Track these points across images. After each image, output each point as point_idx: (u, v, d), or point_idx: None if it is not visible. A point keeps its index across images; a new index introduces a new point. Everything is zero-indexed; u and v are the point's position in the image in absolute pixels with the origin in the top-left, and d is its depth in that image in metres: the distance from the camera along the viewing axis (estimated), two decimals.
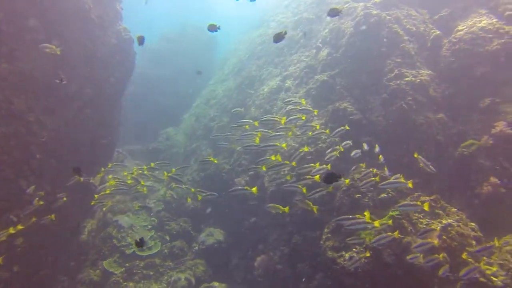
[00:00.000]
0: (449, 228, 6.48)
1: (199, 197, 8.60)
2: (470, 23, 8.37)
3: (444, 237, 6.41)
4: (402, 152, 8.13)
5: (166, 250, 10.69)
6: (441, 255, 5.85)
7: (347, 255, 7.33)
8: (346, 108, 9.03)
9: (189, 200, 11.37)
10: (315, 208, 7.33)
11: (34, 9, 7.65)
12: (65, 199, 7.72)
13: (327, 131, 8.38)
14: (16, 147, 7.44)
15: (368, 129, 8.69)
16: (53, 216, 7.47)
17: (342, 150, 7.66)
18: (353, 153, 7.57)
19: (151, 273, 9.94)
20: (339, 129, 7.82)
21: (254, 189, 7.22)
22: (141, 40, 7.32)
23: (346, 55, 9.71)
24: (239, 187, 7.74)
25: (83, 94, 9.42)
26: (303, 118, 7.67)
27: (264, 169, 7.56)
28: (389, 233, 6.31)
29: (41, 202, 7.48)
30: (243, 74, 15.23)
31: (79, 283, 9.50)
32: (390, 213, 6.97)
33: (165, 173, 8.44)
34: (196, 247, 10.81)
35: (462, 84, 8.18)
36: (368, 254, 6.84)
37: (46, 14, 7.94)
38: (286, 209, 7.29)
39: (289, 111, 8.06)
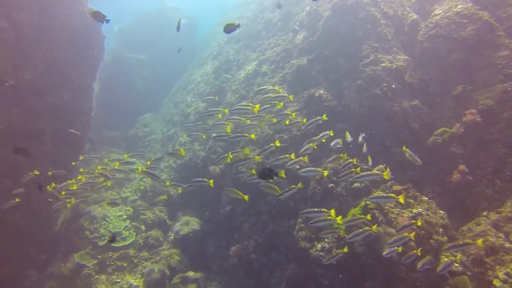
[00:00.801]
0: (418, 217, 6.46)
1: (179, 190, 8.32)
2: (446, 7, 8.15)
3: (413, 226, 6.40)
4: (377, 140, 8.02)
5: (141, 241, 10.47)
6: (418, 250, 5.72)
7: (319, 246, 7.29)
8: (321, 94, 8.80)
9: (165, 197, 11.09)
10: (278, 189, 6.92)
11: None
12: (17, 199, 7.28)
13: (304, 120, 8.01)
14: None
15: (343, 115, 8.52)
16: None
17: (324, 141, 7.37)
18: (332, 143, 7.33)
19: (125, 264, 9.73)
20: (314, 119, 7.53)
21: (211, 181, 7.14)
22: (99, 17, 6.56)
23: (323, 39, 9.40)
24: (199, 179, 7.52)
25: (43, 80, 8.84)
26: (280, 105, 7.36)
27: (229, 161, 7.34)
28: (367, 228, 6.23)
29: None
30: (221, 58, 14.75)
31: (48, 277, 9.23)
32: (362, 202, 6.90)
33: (139, 168, 8.09)
34: (172, 237, 10.63)
35: (437, 71, 8.04)
36: (345, 250, 6.76)
37: None
38: (246, 197, 7.10)
39: (263, 100, 7.73)
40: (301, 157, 6.94)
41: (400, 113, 7.85)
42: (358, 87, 8.38)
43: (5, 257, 8.38)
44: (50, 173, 8.30)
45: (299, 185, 6.63)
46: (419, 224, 5.89)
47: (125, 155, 9.35)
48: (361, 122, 8.23)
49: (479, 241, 5.14)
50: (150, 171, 8.18)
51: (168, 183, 8.37)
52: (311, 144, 7.17)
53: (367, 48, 8.55)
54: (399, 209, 6.65)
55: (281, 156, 7.38)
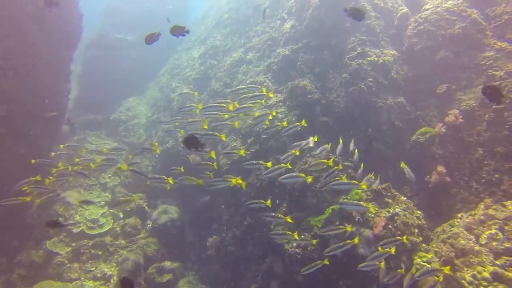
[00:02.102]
0: (395, 218, 6.39)
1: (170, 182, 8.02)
2: (437, 2, 7.90)
3: (389, 226, 6.33)
4: (360, 136, 7.86)
5: (118, 228, 10.26)
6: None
7: (295, 242, 7.19)
8: (305, 86, 8.54)
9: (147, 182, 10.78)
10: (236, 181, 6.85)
11: None
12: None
13: (285, 123, 7.67)
14: None
15: (327, 109, 8.32)
16: None
17: (311, 146, 7.20)
18: (318, 151, 7.10)
19: (100, 252, 9.54)
20: (293, 126, 7.29)
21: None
22: (151, 40, 6.10)
23: (310, 28, 9.08)
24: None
25: (11, 57, 8.33)
26: (262, 102, 7.11)
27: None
28: (341, 226, 6.15)
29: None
30: (208, 43, 14.26)
31: (17, 265, 8.94)
32: (330, 208, 6.79)
33: (123, 166, 7.80)
34: (150, 225, 10.45)
35: (423, 68, 7.86)
36: (314, 242, 6.73)
37: None
38: (200, 181, 7.16)
39: (242, 99, 7.42)
40: (282, 164, 6.69)
41: (384, 109, 7.69)
42: (343, 81, 8.15)
43: None
44: (33, 161, 7.92)
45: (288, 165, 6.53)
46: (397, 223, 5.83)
47: (104, 149, 9.03)
48: (345, 116, 8.06)
49: (447, 268, 5.16)
50: (136, 169, 7.94)
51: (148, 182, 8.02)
52: (293, 151, 6.97)
53: (354, 40, 8.29)
54: (376, 209, 6.56)
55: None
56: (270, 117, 7.60)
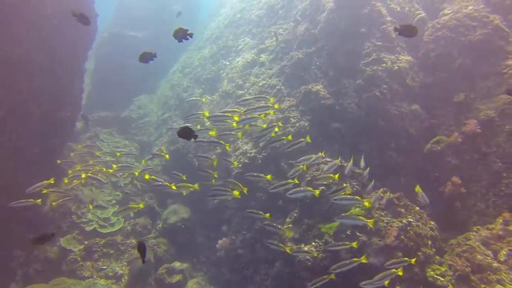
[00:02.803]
0: (408, 228, 6.34)
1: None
2: (457, 7, 7.73)
3: (402, 236, 6.28)
4: (373, 143, 7.80)
5: (129, 227, 10.40)
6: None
7: (305, 249, 7.20)
8: (318, 91, 8.48)
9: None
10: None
11: None
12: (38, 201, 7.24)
13: (290, 137, 7.74)
14: None
15: (340, 115, 8.25)
16: None
17: (322, 155, 7.20)
18: (327, 168, 7.03)
19: (111, 251, 9.69)
20: (298, 141, 7.31)
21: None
22: (146, 58, 6.16)
23: (324, 32, 8.98)
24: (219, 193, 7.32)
25: (31, 59, 8.45)
26: (262, 117, 7.15)
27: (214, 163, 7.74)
28: (347, 242, 6.15)
29: None
30: (220, 43, 14.25)
31: (33, 261, 9.17)
32: (330, 224, 6.77)
33: (147, 176, 7.93)
34: (160, 225, 10.56)
35: (440, 75, 7.73)
36: (315, 254, 6.75)
37: None
38: (196, 186, 7.55)
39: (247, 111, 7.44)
40: (290, 180, 6.78)
41: (398, 117, 7.58)
42: (357, 87, 8.07)
43: None
44: (59, 162, 8.11)
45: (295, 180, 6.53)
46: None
47: (118, 153, 9.33)
48: (358, 123, 7.99)
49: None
50: (155, 179, 8.19)
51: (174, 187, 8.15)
52: (300, 166, 6.96)
53: (369, 46, 8.17)
54: (389, 218, 6.51)
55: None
56: (277, 129, 7.66)
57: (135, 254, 9.54)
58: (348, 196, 6.48)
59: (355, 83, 8.13)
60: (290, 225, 7.91)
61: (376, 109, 7.70)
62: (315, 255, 6.58)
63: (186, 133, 5.08)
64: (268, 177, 7.12)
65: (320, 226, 7.40)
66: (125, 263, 9.56)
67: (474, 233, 5.95)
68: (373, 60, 7.98)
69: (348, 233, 6.70)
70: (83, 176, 8.03)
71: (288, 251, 6.91)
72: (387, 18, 8.42)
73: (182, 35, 5.97)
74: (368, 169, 7.01)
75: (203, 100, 11.23)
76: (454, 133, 6.98)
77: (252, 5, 14.12)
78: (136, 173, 8.15)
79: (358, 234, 6.52)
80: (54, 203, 9.13)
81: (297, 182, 6.67)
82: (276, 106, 7.57)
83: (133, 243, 10.04)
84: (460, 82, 7.37)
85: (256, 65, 11.06)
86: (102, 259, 9.51)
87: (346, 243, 6.16)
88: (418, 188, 6.42)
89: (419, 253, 6.10)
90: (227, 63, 12.92)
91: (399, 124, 7.60)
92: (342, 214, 6.29)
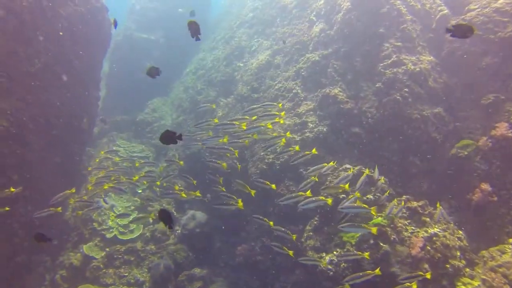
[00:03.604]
0: (434, 238, 6.11)
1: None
2: (484, 2, 7.31)
3: (428, 247, 6.07)
4: (393, 149, 7.54)
5: (148, 234, 10.48)
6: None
7: (327, 258, 7.08)
8: (336, 95, 8.26)
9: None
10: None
11: None
12: (12, 189, 7.24)
13: (297, 147, 7.77)
14: None
15: (359, 120, 8.02)
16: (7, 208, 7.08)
17: (333, 164, 7.03)
18: (341, 178, 6.79)
19: (132, 258, 9.81)
20: (303, 154, 7.26)
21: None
22: (152, 73, 6.37)
23: (341, 33, 8.71)
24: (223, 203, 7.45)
25: (49, 71, 8.55)
26: (269, 126, 7.08)
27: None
28: (359, 252, 6.01)
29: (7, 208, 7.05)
30: (233, 43, 14.08)
31: (59, 267, 9.40)
32: (351, 233, 6.61)
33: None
34: (179, 231, 10.61)
35: (465, 76, 7.37)
36: (324, 264, 6.65)
37: None
38: (252, 192, 7.39)
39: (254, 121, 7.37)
40: (301, 192, 6.68)
41: (420, 121, 7.29)
42: (376, 90, 7.79)
43: (18, 247, 8.46)
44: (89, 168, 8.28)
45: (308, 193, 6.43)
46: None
47: (137, 163, 9.74)
48: (378, 128, 7.73)
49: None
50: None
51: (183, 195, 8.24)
52: (312, 178, 6.80)
53: (389, 47, 7.86)
54: (413, 228, 6.30)
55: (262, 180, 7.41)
56: (284, 140, 7.65)
57: (156, 260, 9.64)
58: (355, 205, 6.31)
59: (374, 87, 7.86)
60: (311, 233, 7.80)
61: (396, 113, 7.42)
62: (324, 264, 6.49)
63: (169, 138, 4.88)
64: (273, 186, 7.32)
65: (342, 234, 7.25)
66: (146, 270, 9.66)
67: (510, 246, 5.65)
68: (392, 63, 7.68)
69: (371, 242, 6.54)
70: (106, 187, 8.14)
71: (291, 254, 6.90)
72: (407, 17, 8.07)
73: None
74: (382, 178, 6.81)
75: (213, 106, 11.27)
76: (483, 137, 6.65)
77: (264, 4, 13.87)
78: (158, 182, 8.25)
79: (381, 244, 6.34)
80: (79, 212, 9.44)
81: (309, 195, 6.48)
82: (282, 114, 7.49)
83: (152, 249, 10.14)
84: (488, 82, 7.00)
85: (271, 67, 10.87)
86: (123, 266, 9.64)
87: (359, 253, 6.02)
88: (439, 205, 6.18)
89: (447, 265, 5.88)
90: (241, 64, 12.76)
91: (421, 128, 7.31)
92: (346, 223, 6.14)
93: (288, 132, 8.20)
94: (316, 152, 7.16)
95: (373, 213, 6.14)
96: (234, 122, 7.25)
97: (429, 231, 6.19)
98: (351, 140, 7.99)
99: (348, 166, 7.62)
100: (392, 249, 6.04)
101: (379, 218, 6.64)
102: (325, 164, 7.07)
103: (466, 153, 6.88)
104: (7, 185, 7.60)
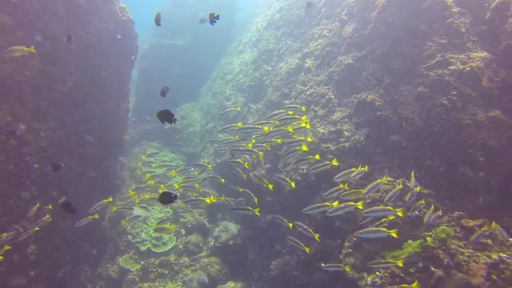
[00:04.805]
0: (501, 266, 5.36)
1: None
2: None
3: (493, 276, 5.34)
4: (440, 158, 6.84)
5: (181, 246, 10.42)
6: None
7: (369, 279, 6.55)
8: (374, 100, 7.66)
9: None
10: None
11: (3, 4, 6.67)
12: (50, 206, 7.42)
13: (317, 156, 7.41)
14: (9, 161, 6.97)
15: (399, 126, 7.36)
16: (48, 217, 7.20)
17: (363, 169, 6.62)
18: (368, 190, 6.22)
19: (166, 271, 9.77)
20: (322, 164, 6.94)
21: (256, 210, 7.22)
22: (163, 93, 6.47)
23: (376, 33, 8.06)
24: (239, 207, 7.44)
25: (81, 89, 8.65)
26: (290, 129, 6.83)
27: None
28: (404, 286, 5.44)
29: (49, 218, 7.19)
30: (260, 46, 13.69)
31: (98, 278, 9.57)
32: (411, 245, 5.98)
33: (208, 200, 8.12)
34: (212, 243, 10.45)
35: None
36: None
37: (20, 8, 6.94)
38: (270, 186, 7.77)
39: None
40: (327, 203, 6.37)
41: (472, 127, 6.53)
42: (418, 95, 7.10)
43: (60, 260, 8.68)
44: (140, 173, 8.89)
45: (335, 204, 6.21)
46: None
47: (173, 172, 10.28)
48: (422, 136, 7.05)
49: None
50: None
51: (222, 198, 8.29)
52: (341, 186, 6.38)
53: (432, 45, 7.13)
54: (471, 251, 5.61)
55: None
56: (305, 147, 7.23)
57: (190, 274, 9.55)
58: (380, 208, 5.96)
59: (415, 90, 7.16)
60: (350, 250, 7.29)
61: (443, 120, 6.70)
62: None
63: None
64: (292, 184, 7.57)
65: (385, 253, 6.70)
66: (180, 283, 9.59)
67: None
68: (437, 63, 6.95)
69: (419, 265, 5.95)
70: (146, 197, 8.54)
71: (307, 250, 6.99)
72: (454, 9, 7.27)
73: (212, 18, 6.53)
74: (418, 187, 6.19)
75: (238, 109, 11.10)
76: None
77: (291, 4, 13.35)
78: (197, 185, 8.84)
79: (432, 268, 5.73)
80: (123, 222, 9.84)
81: (336, 205, 6.04)
82: (303, 118, 7.12)
83: (186, 262, 10.05)
84: None
85: (301, 71, 10.39)
86: (158, 279, 9.63)
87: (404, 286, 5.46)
88: (495, 225, 5.46)
89: None
90: (270, 68, 12.36)
91: (473, 135, 6.54)
92: (363, 229, 5.66)
93: (309, 137, 7.79)
94: (336, 164, 7.00)
95: (400, 214, 5.70)
96: (256, 126, 7.16)
97: (493, 256, 5.47)
98: (390, 149, 7.37)
99: (389, 178, 7.04)
100: (447, 276, 5.42)
101: (428, 239, 6.03)
102: (353, 169, 6.69)
103: None
104: (48, 201, 7.77)
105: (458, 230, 5.93)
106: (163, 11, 21.10)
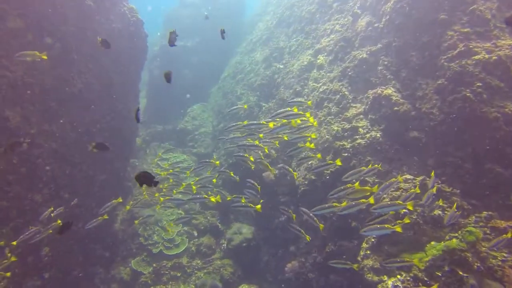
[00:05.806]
0: None
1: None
2: None
3: None
4: (464, 155, 6.45)
5: (193, 248, 10.27)
6: None
7: (390, 282, 6.20)
8: (390, 96, 7.31)
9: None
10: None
11: (15, 7, 6.62)
12: (62, 209, 7.27)
13: (319, 155, 7.43)
14: (21, 164, 6.92)
15: (418, 123, 7.00)
16: (59, 221, 7.11)
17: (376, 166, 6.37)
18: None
19: (179, 274, 9.63)
20: (324, 164, 6.79)
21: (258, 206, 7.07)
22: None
23: (392, 25, 7.71)
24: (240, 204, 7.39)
25: (91, 91, 8.59)
26: (293, 123, 6.72)
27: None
28: None
29: (59, 222, 7.10)
30: (271, 44, 13.47)
31: (112, 280, 9.48)
32: (435, 247, 5.62)
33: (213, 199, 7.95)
34: (224, 245, 10.26)
35: None
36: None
37: (30, 11, 6.90)
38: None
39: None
40: (335, 203, 6.15)
41: (501, 121, 6.12)
42: (438, 88, 6.73)
43: (73, 261, 8.63)
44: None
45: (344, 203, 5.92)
46: None
47: (187, 172, 10.27)
48: (443, 131, 6.67)
49: None
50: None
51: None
52: (349, 185, 6.12)
53: (453, 35, 6.75)
54: (505, 254, 5.22)
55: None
56: (310, 145, 7.12)
57: (203, 278, 9.37)
58: (389, 203, 5.70)
59: (435, 84, 6.79)
60: (368, 252, 6.95)
61: (467, 113, 6.31)
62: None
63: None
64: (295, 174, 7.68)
65: (406, 256, 6.34)
66: (193, 286, 9.42)
67: None
68: (459, 53, 6.56)
69: (445, 269, 5.58)
70: (161, 200, 8.64)
71: (308, 238, 7.00)
72: None
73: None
74: (435, 188, 5.84)
75: (245, 107, 10.99)
76: None
77: (301, 0, 13.08)
78: (214, 180, 8.83)
79: (460, 273, 5.36)
80: (136, 222, 9.86)
81: (344, 204, 5.79)
82: (307, 114, 6.85)
83: (199, 264, 9.88)
84: None
85: (314, 68, 10.10)
86: (171, 282, 9.48)
87: None
88: None
89: None
90: (281, 66, 12.11)
91: (502, 129, 6.13)
92: (367, 227, 5.39)
93: (313, 134, 7.54)
94: (340, 164, 6.74)
95: (410, 207, 5.40)
96: (261, 122, 7.11)
97: None
98: (409, 146, 7.02)
99: (408, 176, 6.69)
100: (479, 283, 5.04)
101: (454, 240, 5.66)
102: (363, 167, 6.47)
103: None
104: (60, 204, 7.70)
105: (488, 232, 5.54)
106: (172, 12, 21.24)
